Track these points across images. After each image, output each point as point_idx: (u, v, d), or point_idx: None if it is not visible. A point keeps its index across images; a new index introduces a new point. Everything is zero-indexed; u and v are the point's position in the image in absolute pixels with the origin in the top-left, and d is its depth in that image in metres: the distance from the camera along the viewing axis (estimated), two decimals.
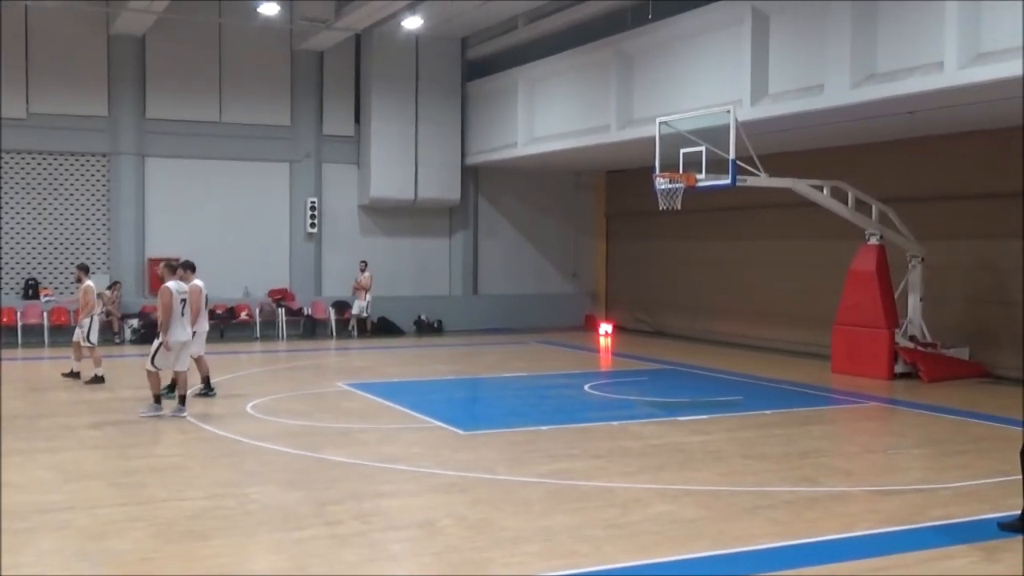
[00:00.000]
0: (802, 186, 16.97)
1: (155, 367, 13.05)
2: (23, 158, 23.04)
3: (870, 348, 17.39)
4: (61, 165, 23.43)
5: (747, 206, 21.86)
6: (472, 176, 27.27)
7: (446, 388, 16.71)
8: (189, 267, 14.34)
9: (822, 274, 20.64)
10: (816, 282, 21.00)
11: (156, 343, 13.10)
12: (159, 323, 13.16)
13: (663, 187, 16.31)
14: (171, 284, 13.11)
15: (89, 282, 16.26)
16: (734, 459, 10.78)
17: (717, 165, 15.83)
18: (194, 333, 14.08)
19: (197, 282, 14.26)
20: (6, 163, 22.87)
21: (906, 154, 19.04)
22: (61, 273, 23.47)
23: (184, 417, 12.81)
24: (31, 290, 22.98)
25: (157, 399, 13.15)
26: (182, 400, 13.12)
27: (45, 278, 23.35)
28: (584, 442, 11.62)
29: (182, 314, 13.14)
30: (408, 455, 10.90)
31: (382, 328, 25.64)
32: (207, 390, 14.67)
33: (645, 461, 10.62)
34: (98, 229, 23.83)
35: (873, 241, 17.71)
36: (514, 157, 24.61)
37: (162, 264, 13.91)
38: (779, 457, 10.89)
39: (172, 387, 13.70)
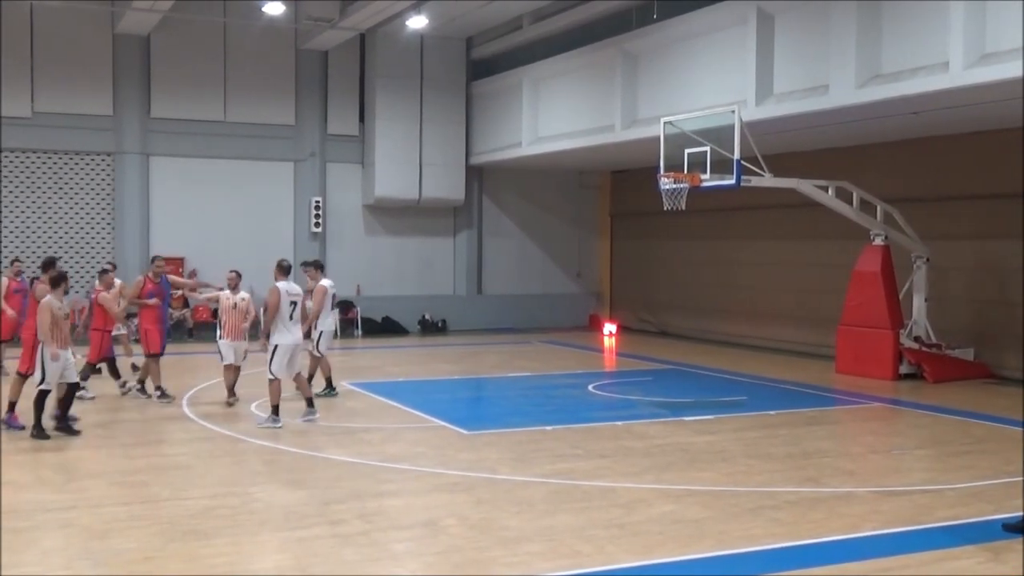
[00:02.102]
0: (807, 186, 16.94)
1: (274, 375, 12.36)
2: (28, 157, 23.06)
3: (875, 349, 17.35)
4: (66, 164, 23.45)
5: (752, 206, 21.82)
6: (476, 176, 27.25)
7: (450, 388, 16.70)
8: (318, 266, 14.70)
9: (826, 274, 20.60)
10: (820, 282, 20.96)
11: (271, 349, 12.40)
12: (263, 324, 12.57)
13: (668, 187, 16.29)
14: (281, 284, 12.44)
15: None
16: (738, 459, 10.76)
17: (722, 165, 15.80)
18: (320, 333, 14.35)
19: (325, 281, 14.49)
20: (11, 162, 22.91)
21: (911, 154, 19.00)
22: (66, 272, 23.43)
23: (279, 427, 12.23)
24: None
25: (276, 410, 12.39)
26: (275, 410, 12.39)
27: None
28: (588, 442, 11.60)
29: (290, 317, 12.43)
30: (411, 455, 10.90)
31: (386, 327, 25.63)
32: (329, 390, 14.70)
33: (649, 461, 10.60)
34: (103, 228, 23.85)
35: (878, 241, 17.68)
36: (518, 157, 24.60)
37: (276, 264, 12.88)
38: (783, 457, 10.87)
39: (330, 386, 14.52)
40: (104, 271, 15.20)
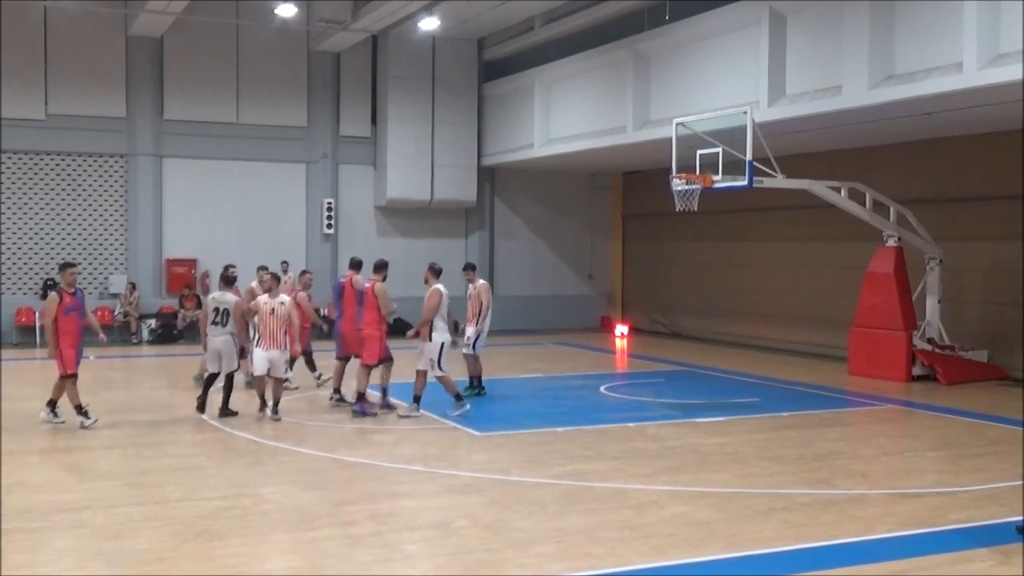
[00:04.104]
0: (819, 187, 16.90)
1: (443, 371, 13.19)
2: (41, 159, 23.17)
3: (888, 350, 17.29)
4: (79, 166, 23.55)
5: (764, 207, 21.78)
6: (488, 177, 27.27)
7: (461, 389, 16.66)
8: (473, 268, 15.49)
9: (839, 276, 20.54)
10: (833, 284, 20.90)
11: (439, 347, 13.14)
12: (421, 322, 13.27)
13: (680, 188, 16.27)
14: (440, 286, 13.30)
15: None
16: (750, 461, 10.73)
17: (734, 166, 15.77)
18: (479, 332, 14.94)
19: (482, 281, 15.07)
20: (24, 164, 23.03)
21: (924, 155, 18.94)
22: (79, 273, 23.53)
23: (418, 415, 13.20)
24: (49, 290, 23.04)
25: (458, 396, 13.53)
26: (417, 400, 13.31)
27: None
28: (600, 443, 11.59)
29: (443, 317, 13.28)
30: (423, 456, 10.91)
31: (398, 329, 25.60)
32: (478, 389, 15.11)
33: (661, 463, 10.59)
34: (116, 230, 23.94)
35: (891, 243, 17.62)
36: (530, 158, 24.61)
37: (428, 267, 13.82)
38: (795, 459, 10.84)
39: (474, 384, 15.04)
40: (304, 272, 15.86)
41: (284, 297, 13.33)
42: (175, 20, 22.23)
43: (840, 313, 19.55)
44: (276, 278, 13.49)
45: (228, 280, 13.49)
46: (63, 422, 12.40)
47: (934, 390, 16.21)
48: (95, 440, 11.64)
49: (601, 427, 12.76)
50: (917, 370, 17.10)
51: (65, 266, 12.68)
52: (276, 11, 21.89)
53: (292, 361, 15.11)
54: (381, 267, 13.80)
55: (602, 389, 16.23)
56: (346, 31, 23.34)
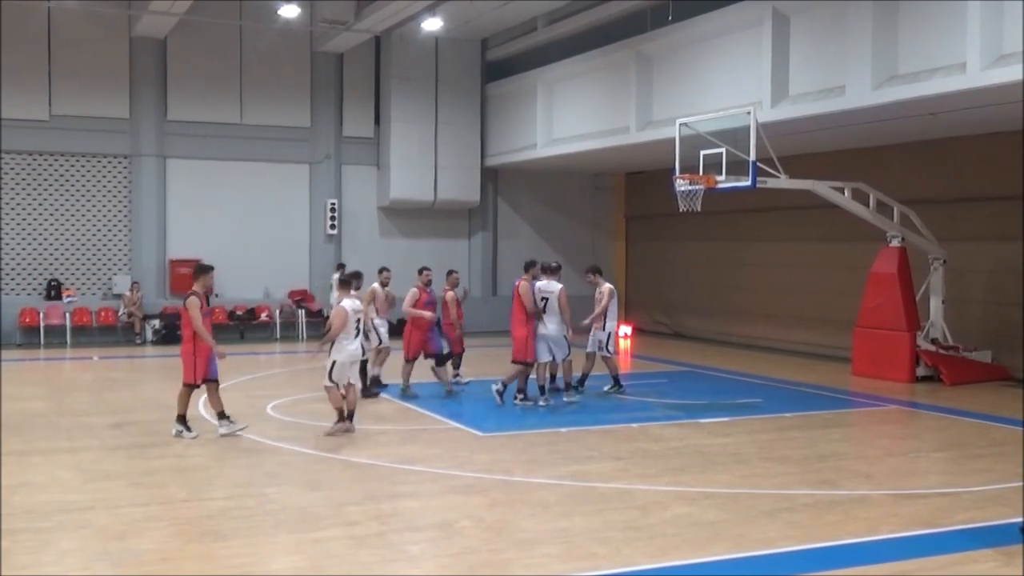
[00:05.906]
0: (823, 188, 16.89)
1: (539, 359, 14.22)
2: (46, 159, 23.21)
3: (891, 351, 17.27)
4: (83, 167, 23.58)
5: (767, 208, 21.76)
6: (491, 178, 27.28)
7: (464, 389, 16.69)
8: (596, 271, 16.08)
9: (843, 276, 20.52)
10: (837, 284, 20.88)
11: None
12: (532, 315, 14.18)
13: (683, 189, 16.26)
14: (538, 283, 14.22)
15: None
16: (754, 461, 10.73)
17: (737, 167, 15.76)
18: (608, 334, 15.52)
19: (608, 285, 15.69)
20: (29, 164, 23.06)
21: (928, 156, 18.92)
22: (83, 274, 23.62)
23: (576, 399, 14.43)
24: (53, 291, 23.13)
25: (570, 386, 14.79)
26: (544, 390, 14.31)
27: (67, 279, 23.50)
28: (603, 444, 11.59)
29: (544, 311, 14.12)
30: (427, 456, 10.91)
31: (401, 330, 25.58)
32: (616, 387, 15.61)
33: (664, 463, 10.59)
34: (119, 230, 23.97)
35: (894, 243, 17.60)
36: (533, 159, 24.61)
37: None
38: (799, 460, 10.84)
39: (583, 381, 15.52)
40: (451, 272, 16.71)
41: (344, 302, 12.00)
42: (179, 21, 22.27)
43: (843, 313, 19.52)
44: (346, 284, 12.49)
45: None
46: (195, 436, 11.67)
47: (938, 391, 16.19)
48: (99, 441, 11.65)
49: (604, 428, 12.76)
50: (921, 371, 17.08)
51: (207, 269, 12.06)
52: (279, 12, 21.90)
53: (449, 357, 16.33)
54: (530, 266, 14.69)
55: (605, 389, 16.22)
56: (349, 32, 23.36)
